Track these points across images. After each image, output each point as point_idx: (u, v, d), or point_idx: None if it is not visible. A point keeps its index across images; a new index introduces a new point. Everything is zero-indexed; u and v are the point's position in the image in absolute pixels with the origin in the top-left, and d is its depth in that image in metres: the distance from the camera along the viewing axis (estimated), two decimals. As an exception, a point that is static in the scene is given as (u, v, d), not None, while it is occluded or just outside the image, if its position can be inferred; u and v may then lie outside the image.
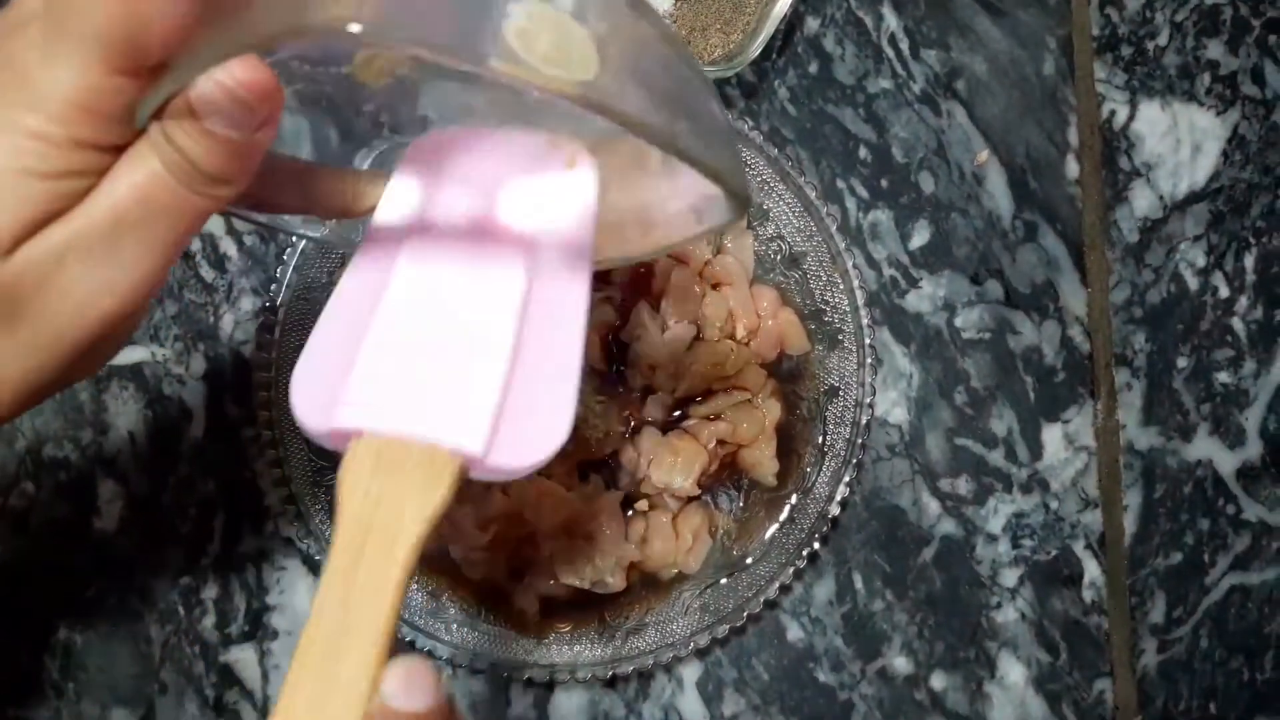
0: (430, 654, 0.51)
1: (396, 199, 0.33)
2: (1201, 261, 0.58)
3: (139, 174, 0.27)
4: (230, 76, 0.25)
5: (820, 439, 0.53)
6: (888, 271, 0.57)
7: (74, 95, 0.26)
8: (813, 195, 0.53)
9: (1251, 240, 0.58)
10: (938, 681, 0.55)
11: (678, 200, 0.33)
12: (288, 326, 0.53)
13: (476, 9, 0.24)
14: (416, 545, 0.27)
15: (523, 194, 0.33)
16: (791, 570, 0.51)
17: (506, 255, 0.32)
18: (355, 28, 0.22)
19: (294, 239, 0.53)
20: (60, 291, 0.27)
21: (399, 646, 0.52)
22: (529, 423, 0.30)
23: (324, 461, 0.53)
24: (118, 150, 0.27)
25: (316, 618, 0.26)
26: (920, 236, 0.57)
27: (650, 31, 0.27)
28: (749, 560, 0.53)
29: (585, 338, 0.31)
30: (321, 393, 0.30)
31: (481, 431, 0.29)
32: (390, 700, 0.25)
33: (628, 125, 0.25)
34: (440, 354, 0.30)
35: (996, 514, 0.56)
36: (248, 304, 0.57)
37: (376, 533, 0.27)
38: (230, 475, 0.56)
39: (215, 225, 0.57)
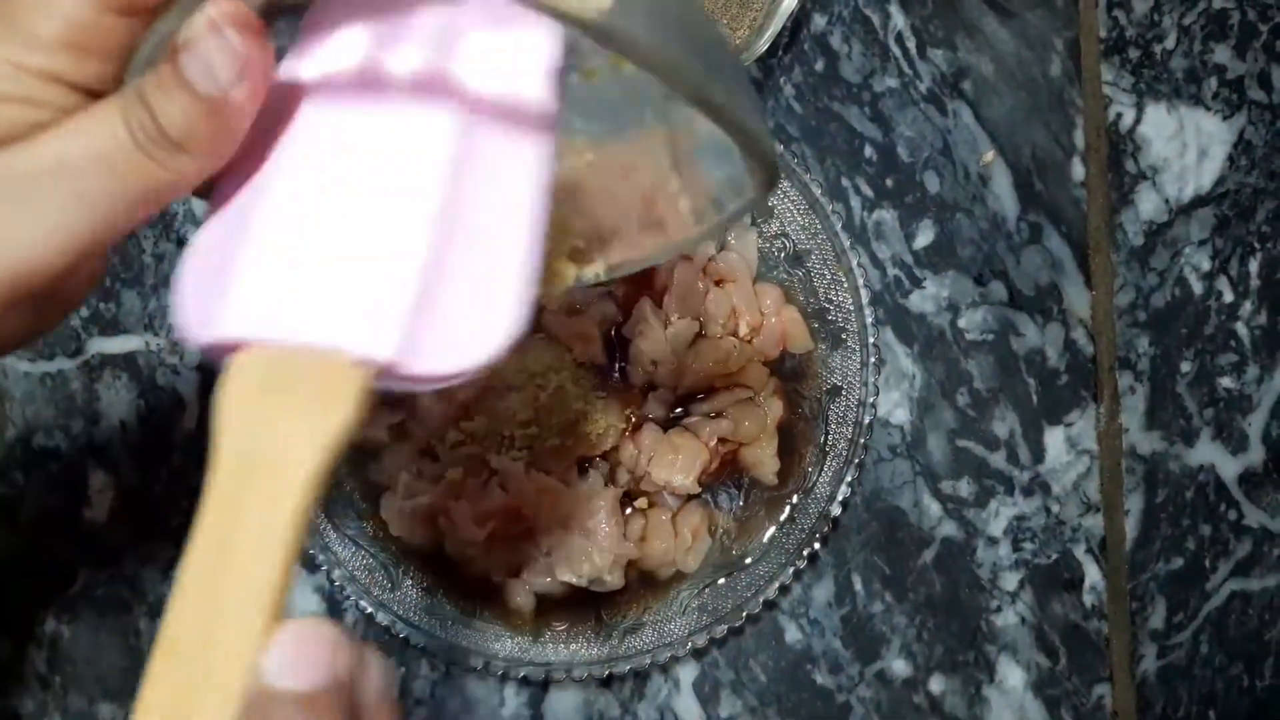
0: (424, 650, 0.51)
1: (306, 46, 0.27)
2: (1206, 266, 0.58)
3: (99, 125, 0.25)
4: (219, 11, 0.24)
5: (822, 438, 0.53)
6: (891, 271, 0.57)
7: (62, 29, 0.24)
8: (818, 193, 0.53)
9: (1256, 245, 0.58)
10: (936, 685, 0.55)
11: (693, 195, 0.32)
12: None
13: None
14: (312, 482, 0.22)
15: (467, 44, 0.26)
16: (791, 570, 0.51)
17: (434, 110, 0.25)
18: None
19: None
20: (13, 224, 0.25)
21: (395, 641, 0.51)
22: (462, 317, 0.24)
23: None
24: (92, 96, 0.26)
25: (184, 584, 0.21)
26: (925, 236, 0.57)
27: None
28: (748, 560, 0.52)
29: (541, 215, 0.25)
30: (206, 297, 0.24)
31: (393, 332, 0.23)
32: (271, 678, 0.21)
33: (649, 62, 0.21)
34: (345, 239, 0.24)
35: (998, 517, 0.55)
36: (244, 294, 0.56)
37: (263, 469, 0.22)
38: (224, 467, 0.55)
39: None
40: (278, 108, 0.26)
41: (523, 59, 0.26)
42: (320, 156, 0.25)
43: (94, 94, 0.26)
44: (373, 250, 0.24)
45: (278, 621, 0.21)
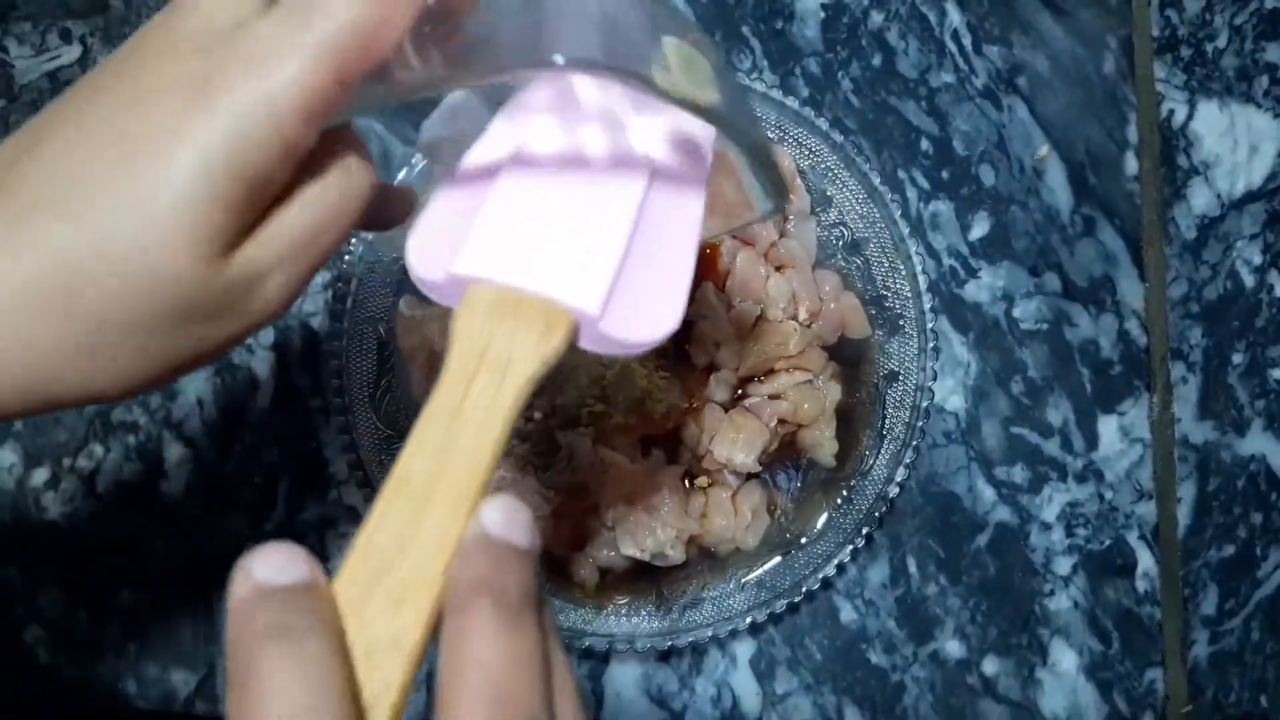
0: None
1: (532, 101, 0.33)
2: (1258, 259, 0.58)
3: (340, 186, 0.28)
4: None
5: (879, 422, 0.54)
6: (947, 261, 0.58)
7: (298, 96, 0.26)
8: (876, 182, 0.54)
9: (1308, 240, 0.59)
10: (990, 666, 0.55)
11: (733, 191, 0.36)
12: (358, 298, 0.54)
13: (647, 41, 0.28)
14: (529, 381, 0.27)
15: (647, 121, 0.33)
16: (849, 550, 0.52)
17: (629, 161, 0.33)
18: (586, 57, 0.25)
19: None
20: (261, 297, 0.28)
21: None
22: (642, 304, 0.30)
23: (391, 431, 0.54)
24: (300, 152, 0.27)
25: (415, 445, 0.25)
26: (980, 228, 0.58)
27: (728, 67, 0.33)
28: (805, 540, 0.54)
29: (698, 240, 0.32)
30: (438, 246, 0.30)
31: (599, 294, 0.29)
32: (491, 526, 0.24)
33: (743, 141, 0.29)
34: (562, 222, 0.30)
35: (1051, 503, 0.56)
36: (317, 276, 0.58)
37: (488, 367, 0.27)
38: (295, 444, 0.57)
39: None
40: (508, 124, 0.32)
41: (689, 136, 0.34)
42: (544, 167, 0.31)
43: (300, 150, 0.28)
44: (585, 237, 0.30)
45: (485, 493, 0.25)
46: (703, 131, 0.34)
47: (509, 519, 0.24)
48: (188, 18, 0.27)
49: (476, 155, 0.32)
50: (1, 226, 0.26)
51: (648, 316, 0.30)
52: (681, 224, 0.32)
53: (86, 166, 0.26)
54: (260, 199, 0.27)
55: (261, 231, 0.28)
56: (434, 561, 0.24)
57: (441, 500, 0.25)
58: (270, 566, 0.23)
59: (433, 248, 0.30)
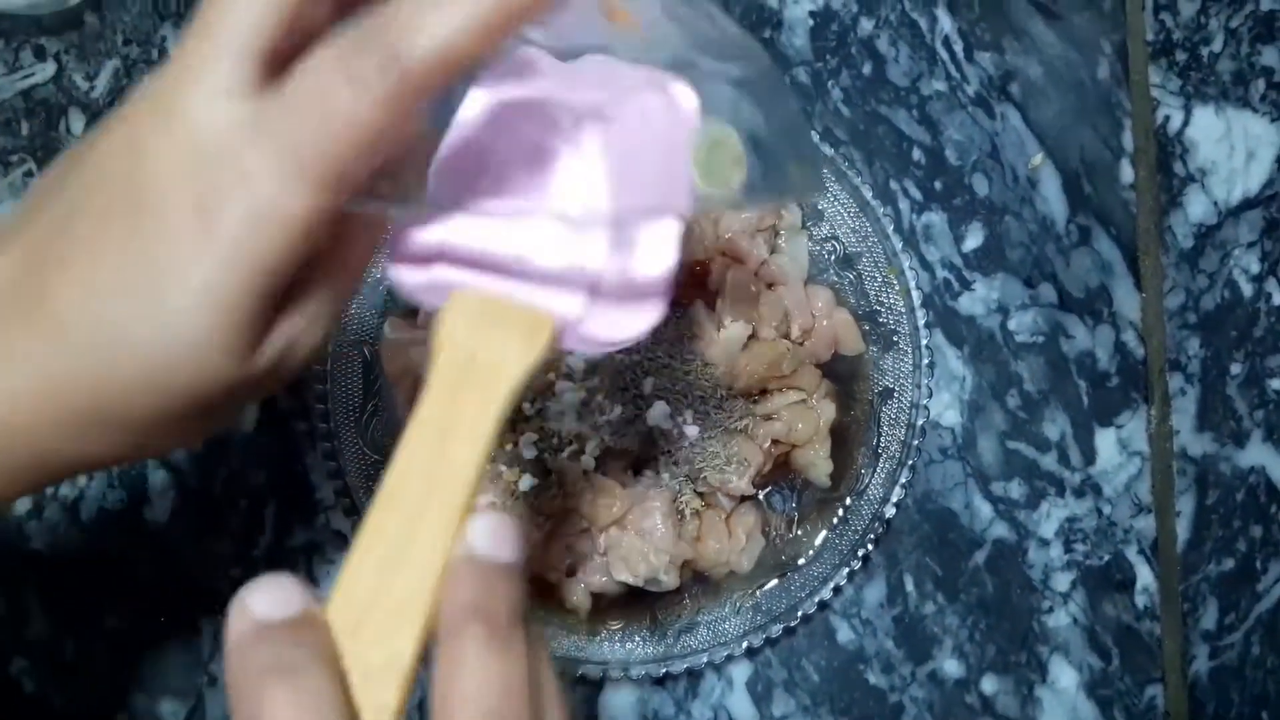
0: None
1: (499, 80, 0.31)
2: (1255, 268, 0.58)
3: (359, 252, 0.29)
4: None
5: (874, 440, 0.53)
6: (941, 274, 0.57)
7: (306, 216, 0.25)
8: (868, 196, 0.53)
9: (1306, 247, 0.58)
10: (989, 685, 0.55)
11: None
12: (343, 321, 0.53)
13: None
14: (513, 392, 0.27)
15: (624, 114, 0.31)
16: (846, 571, 0.51)
17: (595, 155, 0.31)
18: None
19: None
20: (289, 365, 0.28)
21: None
22: (621, 304, 0.30)
23: (377, 455, 0.53)
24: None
25: (403, 461, 0.26)
26: (974, 239, 0.57)
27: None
28: (801, 561, 0.53)
29: (680, 249, 0.31)
30: (418, 249, 0.30)
31: (579, 301, 0.29)
32: (478, 549, 0.24)
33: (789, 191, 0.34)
34: (538, 225, 0.30)
35: (1049, 518, 0.56)
36: (301, 297, 0.57)
37: (473, 377, 0.27)
38: (281, 469, 0.56)
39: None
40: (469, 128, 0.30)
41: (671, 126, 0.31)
42: (520, 170, 0.30)
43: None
44: (563, 239, 0.29)
45: (473, 507, 0.25)
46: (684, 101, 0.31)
47: (495, 536, 0.25)
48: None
49: (454, 150, 0.30)
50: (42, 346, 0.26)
51: (627, 315, 0.30)
52: (661, 229, 0.31)
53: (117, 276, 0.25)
54: (283, 282, 0.26)
55: (290, 305, 0.27)
56: (425, 583, 0.24)
57: (430, 519, 0.25)
58: (266, 601, 0.23)
59: (414, 247, 0.30)
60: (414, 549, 0.24)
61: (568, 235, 0.30)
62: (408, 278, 0.30)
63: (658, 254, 0.31)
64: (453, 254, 0.29)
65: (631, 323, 0.30)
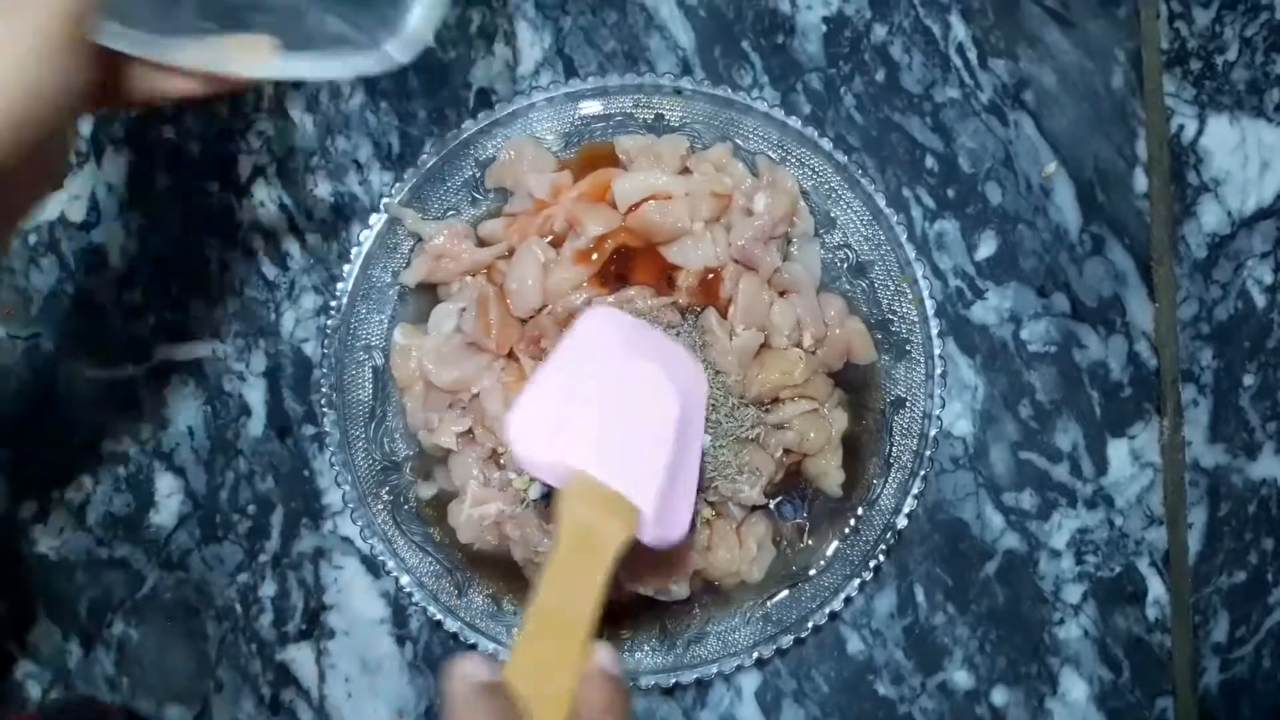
0: (494, 656, 0.51)
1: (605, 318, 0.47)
2: (1269, 279, 0.57)
3: None
4: None
5: (886, 450, 0.53)
6: (954, 282, 0.57)
7: None
8: (881, 204, 0.53)
9: (1320, 258, 0.58)
10: (999, 697, 0.55)
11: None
12: (352, 325, 0.53)
13: None
14: (617, 555, 0.39)
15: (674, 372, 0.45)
16: (857, 582, 0.51)
17: (670, 391, 0.44)
18: None
19: (358, 239, 0.53)
20: None
21: (462, 648, 0.51)
22: (671, 510, 0.42)
23: (386, 461, 0.53)
24: None
25: (543, 601, 0.37)
26: (987, 247, 0.57)
27: None
28: (812, 571, 0.53)
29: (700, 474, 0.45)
30: (541, 430, 0.42)
31: (654, 498, 0.41)
32: (606, 665, 0.35)
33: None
34: (633, 434, 0.42)
35: (1060, 529, 0.55)
36: (309, 301, 0.56)
37: (589, 542, 0.39)
38: (289, 473, 0.56)
39: (278, 223, 0.57)
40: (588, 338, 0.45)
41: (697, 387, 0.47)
42: (624, 380, 0.44)
43: None
44: (647, 451, 0.42)
45: (594, 636, 0.36)
46: (696, 366, 0.47)
47: (613, 658, 0.35)
48: None
49: (568, 356, 0.44)
50: None
51: (674, 520, 0.42)
52: (694, 441, 0.45)
53: None
54: None
55: None
56: (567, 680, 0.34)
57: (566, 638, 0.36)
58: (477, 668, 0.33)
59: (537, 426, 0.42)
60: (558, 657, 0.35)
61: (651, 449, 0.42)
62: (530, 457, 0.41)
63: (690, 471, 0.44)
64: (569, 439, 0.41)
65: (675, 529, 0.42)
